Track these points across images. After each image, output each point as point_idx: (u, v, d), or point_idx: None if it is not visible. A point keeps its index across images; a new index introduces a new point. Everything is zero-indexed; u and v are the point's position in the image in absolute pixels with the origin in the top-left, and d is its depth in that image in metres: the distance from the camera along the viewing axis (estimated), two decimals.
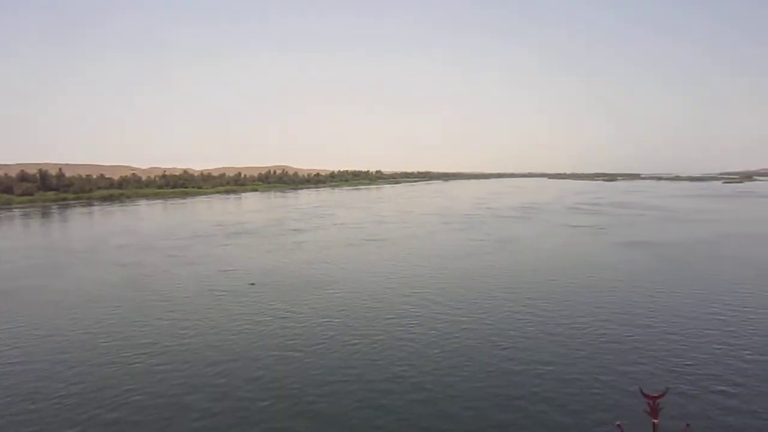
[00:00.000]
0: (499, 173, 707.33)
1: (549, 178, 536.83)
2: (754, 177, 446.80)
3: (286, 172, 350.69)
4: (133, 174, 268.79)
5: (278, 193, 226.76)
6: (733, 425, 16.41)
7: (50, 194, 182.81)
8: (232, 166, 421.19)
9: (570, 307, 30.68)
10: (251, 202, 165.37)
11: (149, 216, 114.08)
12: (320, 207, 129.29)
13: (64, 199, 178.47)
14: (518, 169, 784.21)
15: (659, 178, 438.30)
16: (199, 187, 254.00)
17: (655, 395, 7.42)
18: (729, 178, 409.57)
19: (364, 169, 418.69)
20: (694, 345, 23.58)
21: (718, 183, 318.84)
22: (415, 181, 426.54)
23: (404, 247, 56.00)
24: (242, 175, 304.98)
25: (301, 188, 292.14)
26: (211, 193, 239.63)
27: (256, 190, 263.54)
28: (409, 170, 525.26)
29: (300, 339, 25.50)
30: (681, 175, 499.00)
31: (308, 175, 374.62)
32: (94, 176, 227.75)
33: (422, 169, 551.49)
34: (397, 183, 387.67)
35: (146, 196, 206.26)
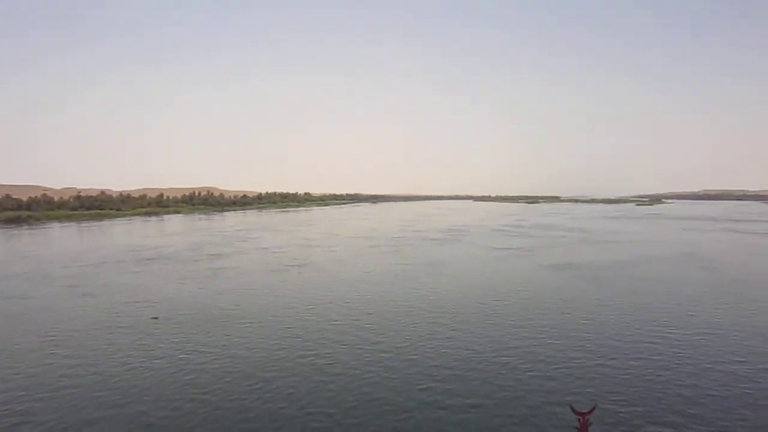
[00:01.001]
0: (427, 195, 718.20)
1: (475, 200, 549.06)
2: (663, 200, 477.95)
3: (212, 193, 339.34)
4: (44, 194, 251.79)
5: (202, 216, 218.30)
6: None
7: None
8: (154, 186, 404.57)
9: (497, 329, 30.98)
10: (172, 224, 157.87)
11: (56, 240, 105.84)
12: (244, 230, 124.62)
13: None
14: (445, 191, 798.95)
15: (577, 201, 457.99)
16: (118, 209, 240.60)
17: (584, 411, 7.51)
18: (641, 200, 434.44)
19: (292, 191, 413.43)
20: (619, 362, 24.41)
21: (632, 205, 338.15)
22: (344, 203, 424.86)
23: (327, 273, 53.70)
24: (165, 197, 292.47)
25: (228, 210, 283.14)
26: (131, 215, 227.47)
27: (179, 212, 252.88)
28: (338, 192, 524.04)
29: (199, 382, 22.76)
30: (597, 197, 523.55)
31: (235, 196, 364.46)
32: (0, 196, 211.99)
33: (351, 191, 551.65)
34: (326, 205, 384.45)
35: (58, 219, 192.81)
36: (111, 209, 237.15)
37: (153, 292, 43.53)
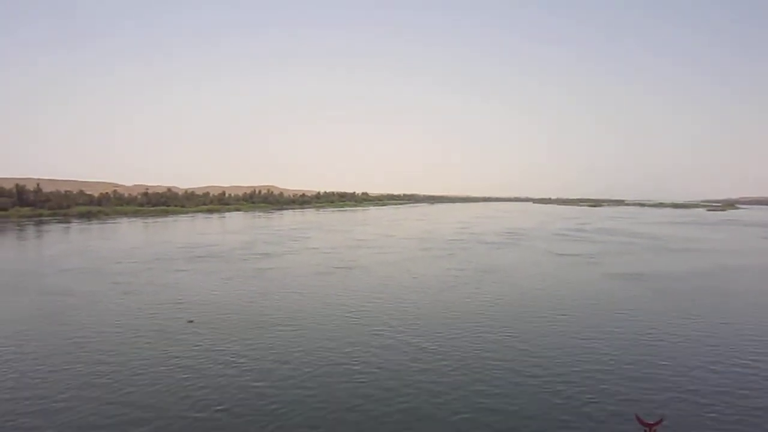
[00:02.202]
0: (486, 197, 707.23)
1: (534, 202, 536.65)
2: (737, 205, 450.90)
3: (272, 192, 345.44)
4: (115, 191, 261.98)
5: (261, 214, 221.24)
6: None
7: (26, 210, 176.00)
8: (217, 185, 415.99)
9: (557, 337, 29.98)
10: (231, 222, 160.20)
11: (119, 235, 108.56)
12: (298, 229, 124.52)
13: (39, 215, 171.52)
14: (504, 193, 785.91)
15: (643, 205, 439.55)
16: (182, 206, 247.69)
17: (652, 423, 7.43)
18: (712, 205, 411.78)
19: (350, 190, 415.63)
20: (691, 376, 23.44)
21: (702, 210, 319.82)
22: (401, 204, 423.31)
23: (375, 277, 51.33)
24: (227, 195, 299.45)
25: (286, 209, 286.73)
26: (194, 212, 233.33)
27: (239, 210, 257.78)
28: (395, 192, 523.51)
29: (229, 394, 20.83)
30: (664, 201, 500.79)
31: (294, 195, 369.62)
32: (74, 192, 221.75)
33: (409, 192, 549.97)
34: (383, 205, 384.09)
35: (126, 214, 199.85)
36: (176, 206, 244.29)
37: (195, 293, 42.28)
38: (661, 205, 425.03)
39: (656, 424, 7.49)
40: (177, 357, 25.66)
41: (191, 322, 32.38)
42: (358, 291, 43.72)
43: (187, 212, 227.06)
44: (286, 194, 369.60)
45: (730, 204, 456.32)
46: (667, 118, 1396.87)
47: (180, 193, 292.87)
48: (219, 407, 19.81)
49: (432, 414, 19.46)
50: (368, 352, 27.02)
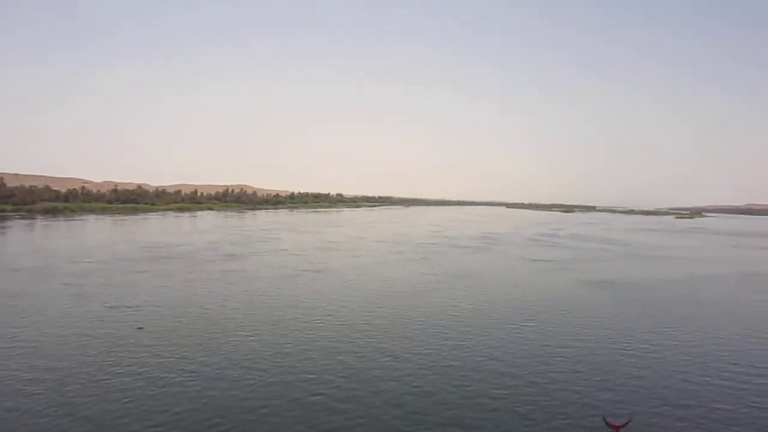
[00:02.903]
0: (460, 201, 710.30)
1: (508, 207, 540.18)
2: (703, 213, 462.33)
3: (245, 191, 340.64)
4: (83, 187, 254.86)
5: (234, 213, 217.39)
6: None
7: None
8: (189, 183, 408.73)
9: (532, 342, 29.92)
10: (201, 221, 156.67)
11: (82, 233, 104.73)
12: (270, 229, 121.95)
13: (2, 211, 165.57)
14: (479, 197, 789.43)
15: (614, 211, 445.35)
16: (152, 204, 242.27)
17: (618, 425, 7.74)
18: (680, 213, 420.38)
19: (325, 191, 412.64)
20: (657, 380, 23.90)
21: (671, 217, 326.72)
22: (376, 206, 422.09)
23: (343, 281, 49.45)
24: (199, 193, 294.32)
25: (260, 209, 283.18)
26: (164, 210, 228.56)
27: (211, 209, 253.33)
28: (370, 194, 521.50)
29: (168, 405, 18.83)
30: (635, 208, 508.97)
31: (268, 195, 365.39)
32: (39, 187, 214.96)
33: (383, 194, 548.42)
34: (357, 207, 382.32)
35: (93, 211, 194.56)
36: (146, 204, 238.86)
37: (150, 296, 39.78)
38: (631, 212, 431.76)
39: (623, 426, 7.38)
40: (118, 366, 23.54)
41: (141, 329, 30.07)
42: (324, 295, 41.82)
43: (157, 210, 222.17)
44: (259, 194, 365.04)
45: (697, 212, 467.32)
46: (638, 128, 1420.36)
47: (151, 190, 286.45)
48: (156, 421, 17.81)
49: (398, 420, 19.05)
50: (332, 358, 25.55)
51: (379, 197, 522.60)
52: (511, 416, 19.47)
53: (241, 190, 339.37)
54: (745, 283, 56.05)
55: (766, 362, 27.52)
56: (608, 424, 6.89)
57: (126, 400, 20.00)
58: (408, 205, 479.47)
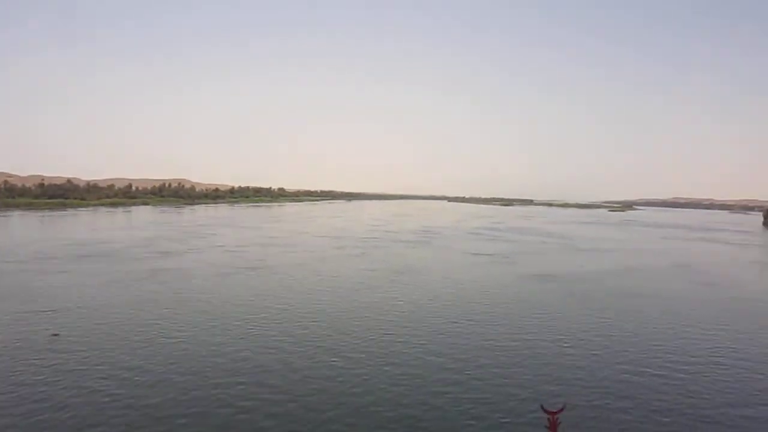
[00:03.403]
0: (402, 195, 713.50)
1: (449, 201, 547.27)
2: (634, 206, 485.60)
3: (183, 186, 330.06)
4: (6, 181, 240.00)
5: (170, 209, 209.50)
6: None
7: None
8: (123, 177, 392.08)
9: (472, 336, 30.16)
10: (135, 217, 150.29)
11: (2, 230, 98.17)
12: (207, 225, 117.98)
13: None
14: (420, 191, 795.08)
15: (550, 205, 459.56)
16: (82, 199, 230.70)
17: (554, 411, 7.34)
18: (613, 206, 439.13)
19: (266, 186, 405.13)
20: (591, 365, 25.30)
21: (604, 210, 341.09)
22: (318, 200, 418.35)
23: (281, 278, 47.88)
24: (133, 188, 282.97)
25: (198, 203, 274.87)
26: (96, 205, 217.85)
27: (147, 204, 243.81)
28: (312, 189, 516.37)
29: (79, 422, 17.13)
30: (570, 202, 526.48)
31: (207, 190, 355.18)
32: None
33: (326, 188, 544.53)
34: (299, 201, 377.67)
35: (18, 207, 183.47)
36: (75, 199, 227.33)
37: (70, 299, 36.91)
38: (566, 205, 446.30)
39: (558, 411, 7.61)
40: (27, 376, 21.43)
41: (56, 335, 27.68)
42: (261, 294, 40.20)
43: (87, 206, 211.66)
44: (198, 188, 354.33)
45: (628, 205, 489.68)
46: (572, 123, 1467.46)
47: (81, 185, 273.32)
48: None
49: (339, 418, 18.88)
50: (266, 359, 24.47)
51: (322, 192, 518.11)
52: (453, 409, 19.71)
53: (179, 184, 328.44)
54: (677, 275, 58.01)
55: (698, 351, 28.31)
56: (545, 411, 7.42)
57: (36, 412, 18.10)
58: (350, 200, 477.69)
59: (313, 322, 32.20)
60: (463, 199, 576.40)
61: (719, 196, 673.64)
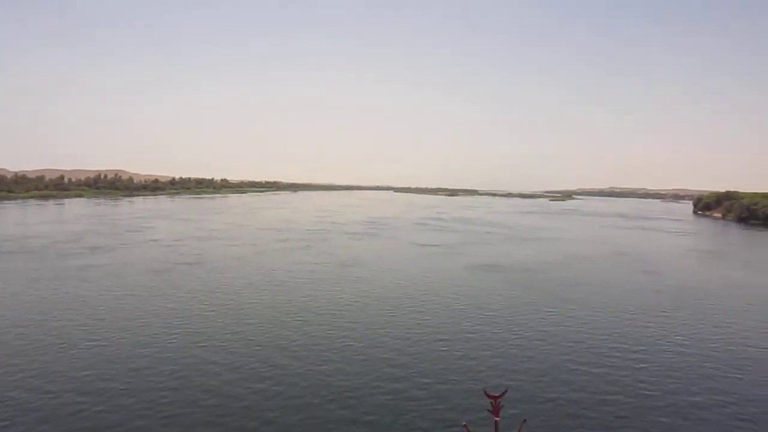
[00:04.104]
0: (348, 185, 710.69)
1: (395, 191, 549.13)
2: (573, 196, 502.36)
3: (120, 177, 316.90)
4: None
5: (106, 201, 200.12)
6: (563, 416, 18.87)
7: None
8: (55, 168, 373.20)
9: (419, 327, 30.33)
10: (67, 210, 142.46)
11: None
12: (145, 218, 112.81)
13: None
14: (367, 182, 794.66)
15: (494, 194, 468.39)
16: (9, 191, 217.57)
17: (497, 395, 7.59)
18: (553, 196, 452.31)
19: (209, 176, 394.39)
20: (529, 351, 26.35)
21: (545, 200, 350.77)
22: (263, 191, 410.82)
23: (220, 274, 45.65)
24: (67, 179, 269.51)
25: (137, 195, 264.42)
26: (25, 197, 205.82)
27: (81, 197, 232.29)
28: (257, 179, 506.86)
29: None
30: (512, 192, 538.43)
31: (146, 181, 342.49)
32: None
33: (270, 179, 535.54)
34: (243, 192, 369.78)
35: None
36: (2, 191, 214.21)
37: None
38: (509, 195, 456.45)
39: (500, 396, 7.66)
40: None
41: None
42: (194, 291, 38.02)
43: (15, 198, 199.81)
44: (137, 180, 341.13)
45: (567, 195, 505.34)
46: (512, 117, 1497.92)
47: (9, 176, 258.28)
48: None
49: (281, 415, 18.60)
50: (196, 359, 23.03)
51: (267, 182, 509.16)
52: (400, 398, 20.17)
53: (116, 175, 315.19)
54: (620, 263, 59.21)
55: (639, 337, 29.25)
56: (487, 395, 7.55)
57: None
58: (296, 191, 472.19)
59: (251, 319, 30.64)
60: (409, 190, 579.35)
61: (652, 186, 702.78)
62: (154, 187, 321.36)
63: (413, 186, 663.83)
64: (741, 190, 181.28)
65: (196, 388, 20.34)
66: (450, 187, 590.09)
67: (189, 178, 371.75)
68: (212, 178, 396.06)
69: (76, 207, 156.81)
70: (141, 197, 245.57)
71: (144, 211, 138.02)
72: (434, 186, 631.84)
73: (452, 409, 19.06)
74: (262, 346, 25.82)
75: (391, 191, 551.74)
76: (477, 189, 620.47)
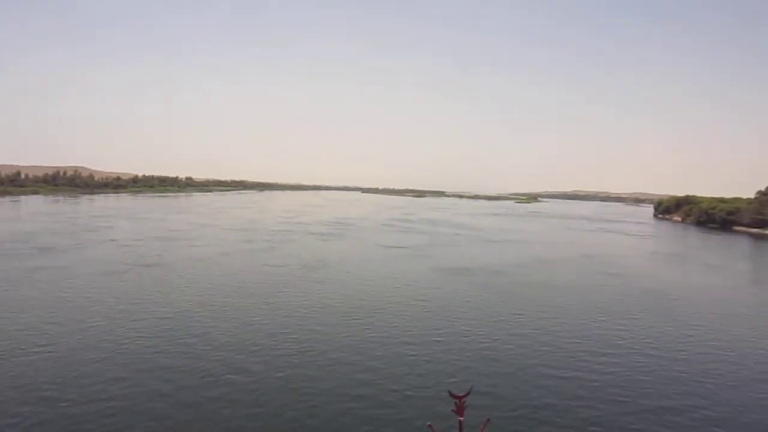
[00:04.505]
0: (316, 185, 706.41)
1: (363, 192, 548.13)
2: (538, 198, 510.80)
3: (79, 174, 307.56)
4: None
5: (65, 198, 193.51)
6: (527, 417, 19.27)
7: None
8: (11, 164, 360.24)
9: (385, 330, 30.32)
10: (22, 207, 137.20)
11: None
12: (104, 217, 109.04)
13: None
14: (334, 182, 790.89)
15: (461, 196, 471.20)
16: None
17: (461, 395, 7.69)
18: (519, 198, 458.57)
19: (174, 175, 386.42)
20: (495, 353, 26.78)
21: (511, 202, 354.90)
22: (228, 190, 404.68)
23: (179, 276, 43.86)
24: (23, 175, 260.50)
25: (98, 193, 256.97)
26: None
27: (38, 194, 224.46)
28: (223, 178, 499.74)
29: None
30: (479, 194, 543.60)
31: (107, 178, 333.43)
32: None
33: (237, 178, 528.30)
34: (208, 191, 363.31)
35: None
36: None
37: None
38: (476, 197, 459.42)
39: (465, 396, 7.52)
40: None
41: None
42: (150, 295, 36.22)
43: None
44: (98, 177, 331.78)
45: (533, 197, 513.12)
46: (480, 120, 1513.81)
47: None
48: None
49: (234, 421, 18.13)
50: (153, 368, 21.74)
51: (233, 182, 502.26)
52: (365, 401, 20.23)
53: (76, 172, 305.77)
54: (587, 266, 59.55)
55: (600, 339, 29.72)
56: (452, 395, 7.66)
57: None
58: (263, 190, 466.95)
59: (210, 323, 29.33)
60: (376, 191, 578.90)
61: (614, 190, 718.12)
62: (115, 184, 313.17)
63: (381, 187, 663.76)
64: (698, 194, 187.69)
65: (146, 395, 19.29)
66: (417, 189, 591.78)
67: (152, 176, 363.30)
68: (177, 177, 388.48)
69: (32, 204, 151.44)
70: (102, 195, 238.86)
71: (103, 210, 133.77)
72: (401, 187, 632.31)
73: (418, 410, 19.37)
74: (220, 350, 24.79)
75: (359, 192, 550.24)
76: (444, 190, 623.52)
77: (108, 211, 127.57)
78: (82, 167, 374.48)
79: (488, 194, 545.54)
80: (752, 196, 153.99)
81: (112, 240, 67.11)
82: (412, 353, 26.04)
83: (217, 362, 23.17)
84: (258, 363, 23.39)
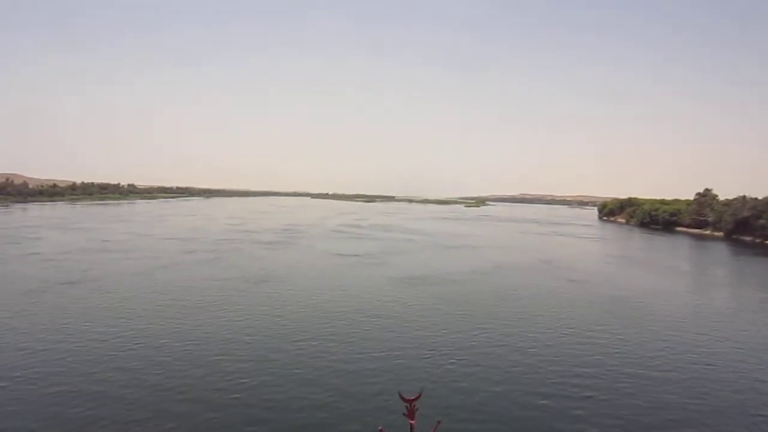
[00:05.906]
0: (264, 191, 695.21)
1: (312, 197, 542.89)
2: (486, 202, 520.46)
3: (11, 181, 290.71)
4: None
5: None
6: (474, 416, 19.99)
7: None
8: None
9: (335, 337, 30.19)
10: None
11: None
12: (32, 227, 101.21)
13: None
14: (283, 188, 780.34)
15: (411, 201, 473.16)
16: None
17: (411, 398, 7.50)
18: (467, 202, 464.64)
19: (115, 181, 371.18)
20: (447, 357, 27.05)
21: (460, 206, 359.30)
22: (174, 197, 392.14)
23: (109, 293, 39.52)
24: None
25: (32, 201, 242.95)
26: None
27: None
28: (168, 185, 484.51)
29: None
30: (429, 198, 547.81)
31: (43, 186, 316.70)
32: None
33: (183, 185, 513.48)
34: (152, 199, 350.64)
35: None
36: None
37: None
38: (426, 201, 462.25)
39: (415, 399, 7.33)
40: None
41: None
42: (76, 314, 32.06)
43: None
44: (32, 185, 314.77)
45: (481, 201, 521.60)
46: (427, 121, 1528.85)
47: None
48: None
49: None
50: (72, 397, 18.47)
51: (178, 188, 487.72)
52: (317, 409, 20.24)
53: (8, 179, 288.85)
54: (542, 270, 58.46)
55: (555, 342, 30.28)
56: (402, 399, 6.83)
57: None
58: (209, 197, 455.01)
59: (145, 340, 25.93)
60: (326, 196, 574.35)
61: (559, 193, 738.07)
62: (51, 192, 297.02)
63: (330, 192, 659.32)
64: (639, 197, 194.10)
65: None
66: (367, 194, 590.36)
67: (92, 183, 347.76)
68: (118, 184, 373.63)
69: None
70: (37, 204, 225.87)
71: (35, 219, 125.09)
72: (351, 192, 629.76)
73: (369, 415, 19.63)
74: (157, 365, 22.71)
75: (308, 197, 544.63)
76: (394, 195, 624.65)
77: (39, 221, 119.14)
78: (15, 174, 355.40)
79: (438, 198, 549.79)
80: (691, 198, 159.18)
81: (35, 254, 61.19)
82: (364, 360, 26.04)
83: (149, 375, 20.64)
84: (202, 375, 22.31)
